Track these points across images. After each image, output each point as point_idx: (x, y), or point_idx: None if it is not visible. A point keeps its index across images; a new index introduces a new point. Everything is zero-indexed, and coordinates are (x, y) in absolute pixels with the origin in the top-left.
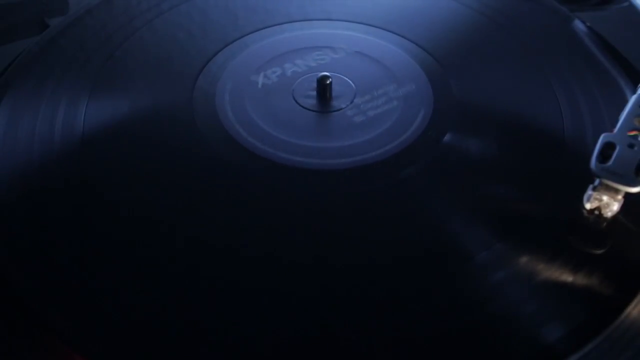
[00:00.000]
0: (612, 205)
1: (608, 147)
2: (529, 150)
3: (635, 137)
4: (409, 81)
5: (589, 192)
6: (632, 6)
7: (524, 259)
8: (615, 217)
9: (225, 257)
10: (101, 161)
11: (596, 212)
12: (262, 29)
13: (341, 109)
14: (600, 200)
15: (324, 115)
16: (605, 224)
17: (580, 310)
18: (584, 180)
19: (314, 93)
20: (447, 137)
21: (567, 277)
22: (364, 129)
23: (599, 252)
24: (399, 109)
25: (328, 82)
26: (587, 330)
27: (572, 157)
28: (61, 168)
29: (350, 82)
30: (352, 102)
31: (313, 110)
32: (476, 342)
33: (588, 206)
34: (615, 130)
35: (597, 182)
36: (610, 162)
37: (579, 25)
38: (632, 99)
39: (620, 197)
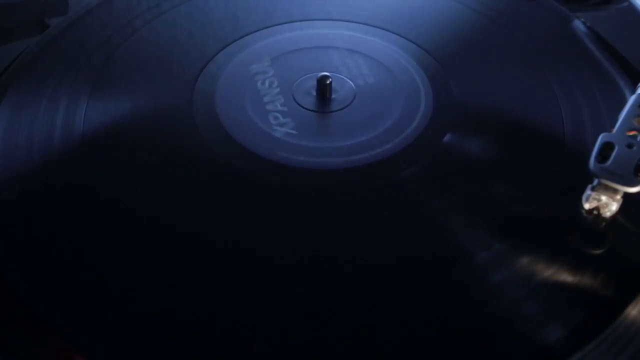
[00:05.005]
0: (610, 205)
1: (607, 147)
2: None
3: (634, 137)
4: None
5: (588, 192)
6: (632, 6)
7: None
8: (614, 217)
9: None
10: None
11: (595, 212)
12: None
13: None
14: (599, 200)
15: (324, 115)
16: (604, 224)
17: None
18: (583, 180)
19: (314, 93)
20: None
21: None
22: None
23: (598, 252)
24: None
25: (328, 82)
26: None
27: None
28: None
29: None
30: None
31: (313, 110)
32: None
33: (587, 206)
34: (614, 130)
35: (595, 182)
36: (609, 162)
37: (579, 25)
38: (631, 99)
39: (619, 197)
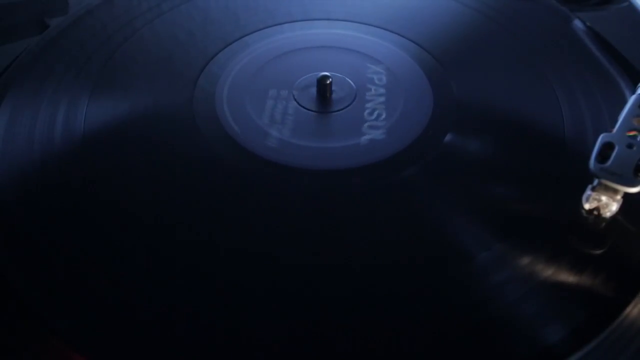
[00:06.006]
0: (610, 206)
1: (607, 147)
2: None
3: (634, 137)
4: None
5: (588, 192)
6: (632, 6)
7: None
8: (614, 217)
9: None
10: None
11: (595, 212)
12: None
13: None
14: (599, 200)
15: (324, 115)
16: (604, 224)
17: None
18: (583, 180)
19: (314, 93)
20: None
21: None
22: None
23: (598, 252)
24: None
25: (328, 82)
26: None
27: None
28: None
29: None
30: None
31: (313, 110)
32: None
33: (587, 206)
34: (614, 130)
35: (595, 182)
36: (609, 162)
37: (579, 25)
38: (631, 100)
39: (619, 197)
